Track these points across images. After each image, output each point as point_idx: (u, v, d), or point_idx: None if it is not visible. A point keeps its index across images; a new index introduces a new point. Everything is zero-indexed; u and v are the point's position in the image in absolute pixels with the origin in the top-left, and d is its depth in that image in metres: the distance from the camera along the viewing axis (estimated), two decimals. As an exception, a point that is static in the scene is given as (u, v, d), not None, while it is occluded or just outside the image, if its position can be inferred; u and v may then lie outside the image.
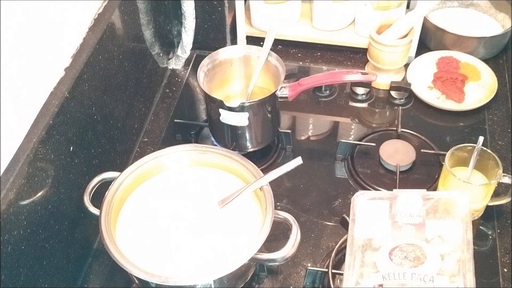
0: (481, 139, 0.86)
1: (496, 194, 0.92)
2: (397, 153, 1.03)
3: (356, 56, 1.24)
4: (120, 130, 1.02)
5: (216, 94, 1.00)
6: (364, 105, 1.16)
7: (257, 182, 0.81)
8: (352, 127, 1.12)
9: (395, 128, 1.08)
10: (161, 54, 1.19)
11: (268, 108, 0.99)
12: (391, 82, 1.15)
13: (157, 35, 1.14)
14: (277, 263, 0.76)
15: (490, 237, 0.93)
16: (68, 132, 0.83)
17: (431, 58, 1.20)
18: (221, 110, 0.97)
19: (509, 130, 1.08)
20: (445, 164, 0.89)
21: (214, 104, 0.97)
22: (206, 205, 0.84)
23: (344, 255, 0.76)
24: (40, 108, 0.79)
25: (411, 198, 0.77)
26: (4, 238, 0.69)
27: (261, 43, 1.02)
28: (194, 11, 1.16)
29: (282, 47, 1.25)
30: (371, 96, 1.17)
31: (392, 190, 0.80)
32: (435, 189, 0.95)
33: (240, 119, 0.97)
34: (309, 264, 0.88)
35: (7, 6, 0.69)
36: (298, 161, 0.81)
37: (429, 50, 1.22)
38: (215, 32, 1.23)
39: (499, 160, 0.88)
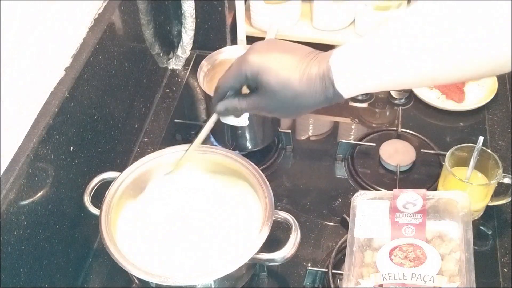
0: (481, 139, 0.86)
1: (496, 194, 0.92)
2: (397, 153, 1.03)
3: (356, 56, 1.24)
4: (120, 130, 1.02)
5: (216, 94, 1.00)
6: (364, 105, 1.16)
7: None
8: (352, 127, 1.12)
9: (395, 128, 1.08)
10: (161, 54, 1.19)
11: (268, 108, 0.99)
12: (391, 82, 1.15)
13: (157, 35, 1.14)
14: (277, 263, 0.76)
15: (490, 237, 0.93)
16: (68, 132, 0.83)
17: (431, 58, 1.20)
18: (221, 110, 0.97)
19: (509, 130, 1.08)
20: (445, 164, 0.89)
21: (214, 104, 0.97)
22: (206, 205, 0.84)
23: (344, 255, 0.76)
24: (40, 108, 0.79)
25: (411, 198, 0.77)
26: (4, 238, 0.69)
27: (261, 43, 1.02)
28: (194, 11, 1.16)
29: (282, 47, 1.25)
30: (371, 96, 1.17)
31: (392, 190, 0.80)
32: (435, 189, 0.95)
33: (240, 119, 0.97)
34: (309, 264, 0.88)
35: (7, 6, 0.69)
36: None
37: (429, 50, 1.22)
38: (215, 32, 1.23)
39: (499, 160, 0.88)
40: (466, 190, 0.86)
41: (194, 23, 1.18)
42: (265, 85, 0.66)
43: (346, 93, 0.64)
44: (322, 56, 0.65)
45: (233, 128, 0.99)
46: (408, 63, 0.59)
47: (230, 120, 0.98)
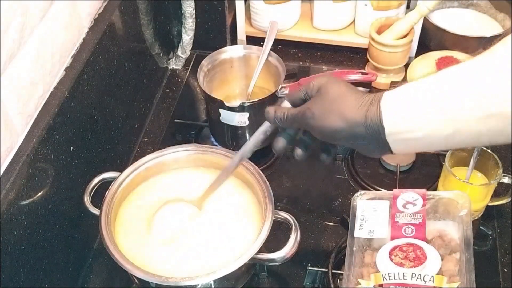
0: (481, 139, 0.86)
1: (496, 194, 0.92)
2: (397, 153, 1.03)
3: (356, 56, 1.24)
4: (120, 130, 1.02)
5: (216, 94, 1.00)
6: (364, 105, 1.15)
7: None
8: (352, 127, 1.12)
9: (395, 128, 1.08)
10: (161, 54, 1.19)
11: (268, 108, 0.99)
12: (391, 82, 1.15)
13: (157, 35, 1.14)
14: (277, 263, 0.76)
15: (490, 237, 0.93)
16: (68, 132, 0.83)
17: (431, 58, 1.20)
18: (221, 110, 0.97)
19: (509, 130, 1.08)
20: (445, 164, 0.89)
21: (214, 104, 0.97)
22: (206, 205, 0.84)
23: (344, 255, 0.76)
24: (40, 108, 0.79)
25: (411, 198, 0.77)
26: (4, 238, 0.69)
27: (261, 43, 1.02)
28: (194, 11, 1.16)
29: (282, 47, 1.25)
30: (371, 96, 1.17)
31: (392, 190, 0.80)
32: (435, 189, 0.95)
33: (240, 119, 0.97)
34: (309, 264, 0.88)
35: (7, 5, 0.69)
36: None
37: (429, 50, 1.22)
38: (215, 32, 1.23)
39: (499, 160, 0.88)
40: (466, 190, 0.86)
41: (194, 23, 1.18)
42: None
43: (394, 147, 0.63)
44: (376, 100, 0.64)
45: (233, 128, 0.99)
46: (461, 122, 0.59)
47: (230, 120, 0.98)
